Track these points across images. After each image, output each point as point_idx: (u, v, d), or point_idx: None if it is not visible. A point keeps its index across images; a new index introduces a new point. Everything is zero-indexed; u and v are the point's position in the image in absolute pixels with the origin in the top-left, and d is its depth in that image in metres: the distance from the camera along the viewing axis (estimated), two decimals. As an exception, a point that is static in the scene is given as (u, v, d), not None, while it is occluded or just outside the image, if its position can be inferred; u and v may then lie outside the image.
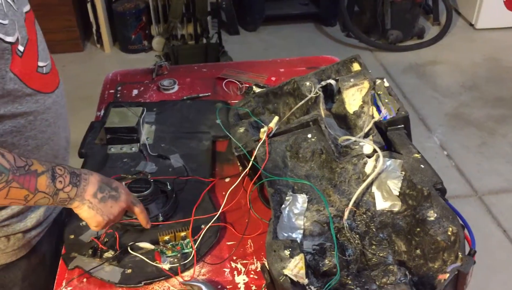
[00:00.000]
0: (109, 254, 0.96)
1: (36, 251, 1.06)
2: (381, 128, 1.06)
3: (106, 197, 0.89)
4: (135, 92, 1.49)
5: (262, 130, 1.10)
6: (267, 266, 0.84)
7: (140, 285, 0.94)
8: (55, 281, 0.96)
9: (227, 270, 0.97)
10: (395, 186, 0.95)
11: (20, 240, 1.02)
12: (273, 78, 1.53)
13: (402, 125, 1.05)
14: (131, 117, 1.27)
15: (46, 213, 1.06)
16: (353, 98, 1.16)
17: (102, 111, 1.40)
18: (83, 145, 1.27)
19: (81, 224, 1.04)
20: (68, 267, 0.97)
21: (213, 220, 1.02)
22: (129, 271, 0.95)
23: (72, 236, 1.02)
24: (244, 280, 0.96)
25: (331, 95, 1.21)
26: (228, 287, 0.95)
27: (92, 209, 0.88)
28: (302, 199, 0.99)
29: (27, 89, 0.91)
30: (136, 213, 0.96)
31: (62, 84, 1.04)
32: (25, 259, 1.04)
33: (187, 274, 0.96)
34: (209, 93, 1.47)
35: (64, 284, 0.95)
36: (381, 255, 0.89)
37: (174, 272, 0.95)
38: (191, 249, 0.98)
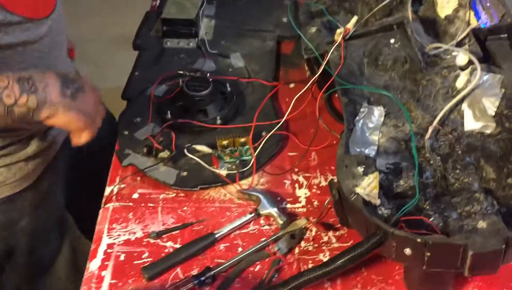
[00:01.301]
0: (164, 154, 0.95)
1: (44, 178, 0.99)
2: (479, 37, 0.95)
3: (75, 91, 0.78)
4: (193, -19, 1.41)
5: (338, 31, 1.02)
6: (336, 182, 0.81)
7: (196, 189, 0.93)
8: (108, 178, 0.96)
9: (288, 182, 0.95)
10: (491, 104, 0.86)
11: (22, 170, 0.94)
12: (349, -26, 1.41)
13: (506, 35, 0.94)
14: (189, 8, 1.21)
15: (49, 138, 0.98)
16: (447, 0, 1.03)
17: (158, 1, 1.33)
18: (138, 36, 1.23)
19: (135, 120, 1.03)
20: (122, 164, 0.97)
21: (276, 128, 0.99)
22: (185, 173, 0.94)
23: (126, 132, 1.01)
24: (305, 194, 0.94)
25: (419, -5, 1.09)
26: (288, 199, 0.93)
27: (69, 111, 0.77)
28: (378, 112, 0.93)
29: (12, 16, 0.78)
30: None
31: (60, 4, 0.91)
32: (32, 189, 0.98)
33: (245, 183, 0.95)
34: (276, -13, 1.38)
35: (117, 181, 0.95)
36: (465, 181, 0.83)
37: (231, 179, 0.94)
38: (250, 157, 0.96)
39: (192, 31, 1.20)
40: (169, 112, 1.01)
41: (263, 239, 0.86)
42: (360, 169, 0.79)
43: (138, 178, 0.95)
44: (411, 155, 0.86)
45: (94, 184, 0.99)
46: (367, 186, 0.78)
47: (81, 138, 0.82)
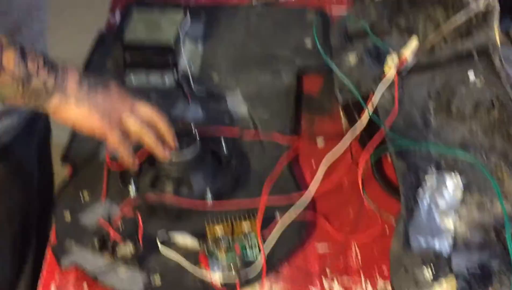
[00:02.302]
0: (126, 249, 0.97)
1: (9, 152, 1.17)
2: None
3: (93, 87, 0.97)
4: (171, -15, 1.49)
5: (389, 60, 1.06)
6: None
7: (174, 304, 0.94)
8: (40, 284, 0.98)
9: (317, 292, 0.98)
10: None
11: None
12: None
13: None
14: (165, 27, 1.27)
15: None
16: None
17: (118, 15, 1.41)
18: (88, 68, 1.28)
19: (81, 194, 1.06)
20: (60, 265, 0.98)
21: (296, 205, 1.01)
22: (157, 280, 0.96)
23: (67, 216, 1.04)
24: (344, 310, 0.96)
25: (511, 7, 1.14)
26: (317, 319, 0.95)
27: (82, 104, 0.95)
28: (453, 183, 0.96)
29: None
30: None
31: None
32: None
33: None
34: (295, -6, 1.47)
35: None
36: None
37: (229, 288, 0.95)
38: (258, 253, 0.98)
39: (169, 61, 1.24)
40: (133, 184, 1.04)
41: None
42: (428, 273, 0.81)
43: (85, 286, 0.97)
44: (506, 250, 0.87)
45: None
46: (439, 299, 0.79)
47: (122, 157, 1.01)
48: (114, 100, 0.98)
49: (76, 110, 0.95)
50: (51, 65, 0.94)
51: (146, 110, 1.01)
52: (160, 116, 1.02)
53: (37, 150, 1.31)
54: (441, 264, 0.82)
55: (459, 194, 0.96)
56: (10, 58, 0.88)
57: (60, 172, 1.17)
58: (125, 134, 0.99)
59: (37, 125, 1.28)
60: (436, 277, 0.81)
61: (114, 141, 0.98)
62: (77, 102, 0.95)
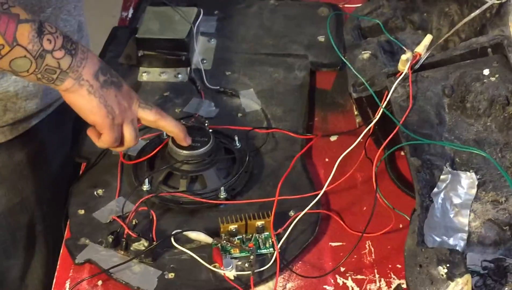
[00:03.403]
0: (140, 245, 0.97)
1: (32, 137, 1.19)
2: None
3: (109, 82, 0.97)
4: (184, -19, 1.49)
5: (402, 57, 1.06)
6: (405, 288, 0.85)
7: (188, 299, 0.95)
8: (54, 280, 0.98)
9: (330, 289, 0.97)
10: None
11: (8, 110, 1.13)
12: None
13: None
14: (178, 23, 1.27)
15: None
16: None
17: (131, 11, 1.42)
18: None
19: (95, 193, 1.07)
20: (74, 261, 0.99)
21: (311, 204, 1.01)
22: (171, 275, 0.96)
23: (81, 212, 1.04)
24: (358, 307, 0.96)
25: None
26: (330, 316, 0.95)
27: (94, 96, 0.95)
28: (468, 180, 0.96)
29: None
30: (164, 126, 1.03)
31: None
32: (17, 144, 1.18)
33: (263, 289, 0.96)
34: (308, -10, 1.47)
35: (67, 286, 0.97)
36: None
37: (243, 284, 0.95)
38: (272, 249, 0.98)
39: (181, 57, 1.25)
40: (147, 180, 1.05)
41: None
42: (442, 270, 0.81)
43: (100, 283, 0.97)
44: (521, 247, 0.88)
45: None
46: (454, 297, 0.79)
47: (96, 139, 1.01)
48: (122, 102, 0.98)
49: (86, 99, 0.95)
50: (69, 47, 0.93)
51: (149, 117, 1.02)
52: (166, 120, 1.02)
53: (72, 136, 1.33)
54: (456, 262, 0.82)
55: (473, 192, 0.95)
56: (25, 32, 0.87)
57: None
58: (119, 139, 1.00)
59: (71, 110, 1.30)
60: (451, 275, 0.80)
61: (107, 141, 0.99)
62: (89, 92, 0.95)
